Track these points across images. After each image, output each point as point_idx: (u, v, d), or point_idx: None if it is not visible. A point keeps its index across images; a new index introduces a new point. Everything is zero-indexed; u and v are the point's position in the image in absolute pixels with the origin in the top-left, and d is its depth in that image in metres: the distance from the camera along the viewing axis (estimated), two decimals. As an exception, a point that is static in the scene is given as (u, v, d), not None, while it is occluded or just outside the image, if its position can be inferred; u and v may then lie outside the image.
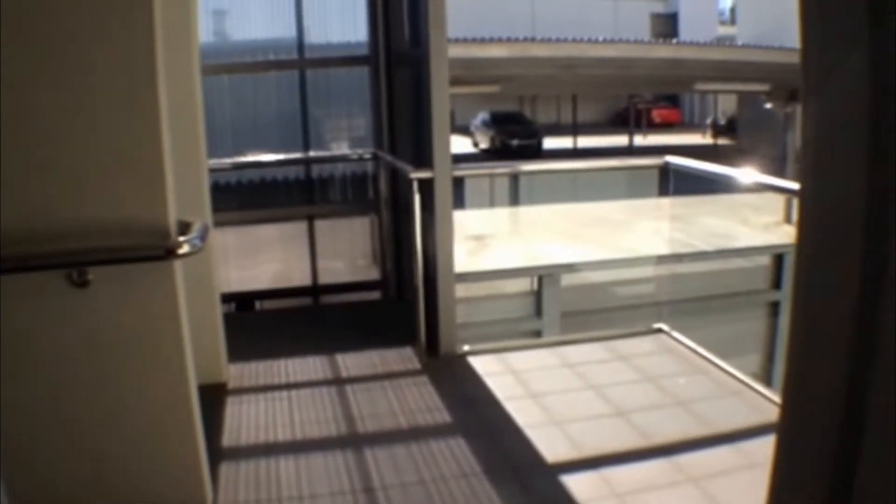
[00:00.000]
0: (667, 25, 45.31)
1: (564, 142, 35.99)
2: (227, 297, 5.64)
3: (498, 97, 31.92)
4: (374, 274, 6.50)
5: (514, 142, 34.32)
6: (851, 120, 1.03)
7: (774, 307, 9.61)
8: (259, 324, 6.09)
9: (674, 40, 34.77)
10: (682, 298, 8.68)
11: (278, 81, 6.38)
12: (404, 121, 5.76)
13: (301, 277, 6.40)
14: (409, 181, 4.85)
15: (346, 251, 6.62)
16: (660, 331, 5.24)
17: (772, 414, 3.83)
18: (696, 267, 9.97)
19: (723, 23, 46.40)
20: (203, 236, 2.89)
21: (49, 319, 2.75)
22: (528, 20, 38.83)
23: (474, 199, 11.66)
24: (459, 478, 3.46)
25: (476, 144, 37.53)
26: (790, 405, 1.33)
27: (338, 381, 4.62)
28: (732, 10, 45.63)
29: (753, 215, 12.47)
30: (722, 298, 9.70)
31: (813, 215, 1.17)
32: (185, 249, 2.74)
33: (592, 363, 4.78)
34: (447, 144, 4.76)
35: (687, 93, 42.08)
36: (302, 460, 3.66)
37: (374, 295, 6.49)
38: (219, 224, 4.83)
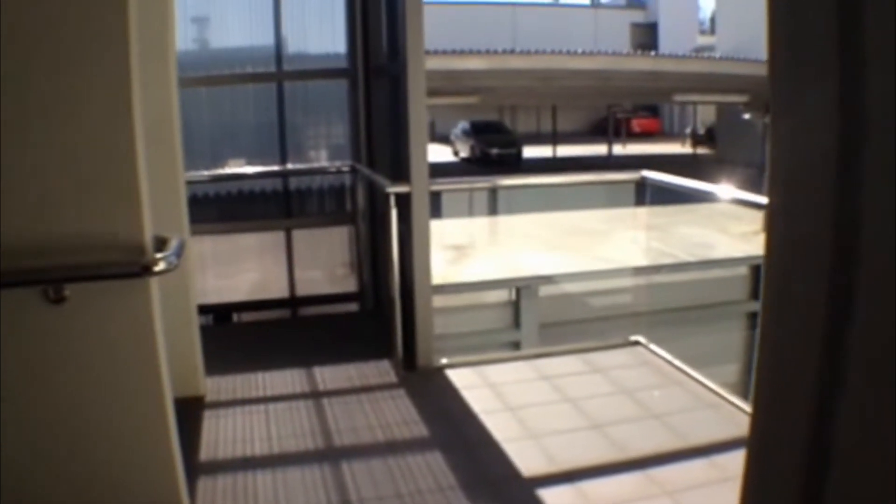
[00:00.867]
0: (647, 35, 45.63)
1: (544, 151, 36.14)
2: (204, 309, 5.63)
3: (478, 107, 32.04)
4: (351, 286, 6.51)
5: (494, 151, 34.43)
6: (819, 146, 1.06)
7: (752, 318, 9.66)
8: (237, 336, 6.10)
9: (652, 52, 34.98)
10: (661, 309, 8.74)
11: (256, 93, 6.38)
12: (382, 134, 5.77)
13: (279, 289, 6.39)
14: (386, 195, 4.88)
15: (324, 263, 6.63)
16: (637, 343, 5.28)
17: (747, 427, 3.87)
18: (674, 277, 10.02)
19: (703, 32, 46.76)
20: (179, 253, 2.90)
21: (25, 335, 2.74)
22: (510, 31, 39.00)
23: (453, 208, 11.67)
24: (436, 492, 3.48)
25: (456, 153, 37.62)
26: (759, 420, 1.35)
27: (315, 395, 4.63)
28: (712, 20, 45.96)
29: (731, 224, 12.53)
30: (700, 309, 9.75)
31: (782, 236, 1.20)
32: (161, 267, 2.74)
33: (569, 376, 4.81)
34: (424, 158, 4.78)
35: (666, 103, 42.33)
36: (279, 474, 3.67)
37: (352, 307, 6.50)
38: (196, 234, 4.84)
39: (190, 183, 5.06)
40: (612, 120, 38.86)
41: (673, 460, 3.75)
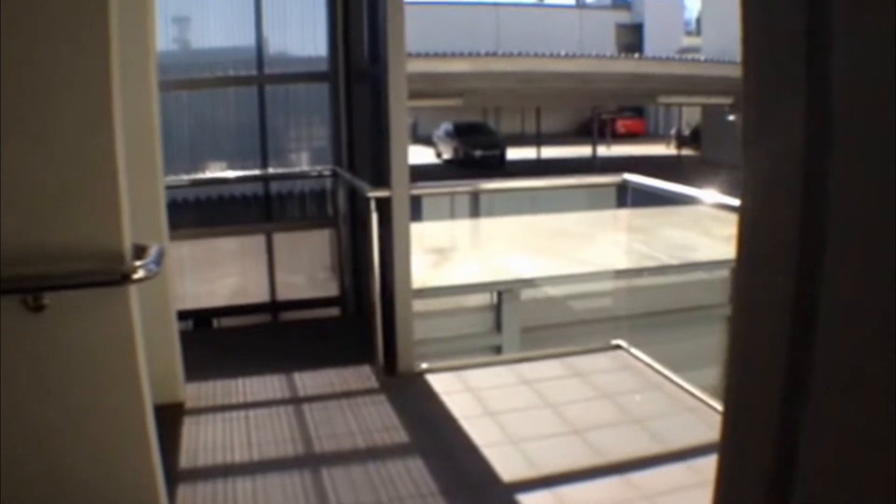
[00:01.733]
0: (632, 36, 45.71)
1: (528, 152, 36.15)
2: (184, 315, 5.63)
3: (462, 108, 32.05)
4: (333, 290, 6.53)
5: (478, 152, 34.39)
6: (789, 168, 1.09)
7: (734, 321, 9.65)
8: (217, 342, 6.11)
9: (636, 55, 35.12)
10: (644, 312, 8.78)
11: (237, 96, 6.38)
12: (363, 138, 5.78)
13: (259, 294, 6.41)
14: (367, 199, 4.91)
15: (305, 268, 6.65)
16: (618, 347, 5.33)
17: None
18: (656, 280, 10.07)
19: (688, 33, 46.95)
20: (158, 260, 2.92)
21: (4, 344, 2.74)
22: (493, 32, 39.03)
23: (435, 211, 11.68)
24: (416, 497, 3.52)
25: (439, 155, 37.58)
26: (729, 424, 1.38)
27: (295, 401, 4.66)
28: (698, 21, 46.13)
29: (716, 227, 12.57)
30: (682, 312, 9.79)
31: (750, 240, 1.24)
32: (140, 274, 2.77)
33: (550, 380, 4.86)
34: (405, 163, 4.82)
35: (651, 105, 42.49)
36: (259, 481, 3.70)
37: (334, 311, 6.52)
38: (176, 239, 4.86)
39: (169, 188, 5.07)
40: (597, 121, 38.96)
41: (652, 465, 3.80)
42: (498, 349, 8.56)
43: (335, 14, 6.10)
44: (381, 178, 5.01)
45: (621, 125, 44.67)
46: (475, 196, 11.58)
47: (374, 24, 5.14)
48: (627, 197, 6.16)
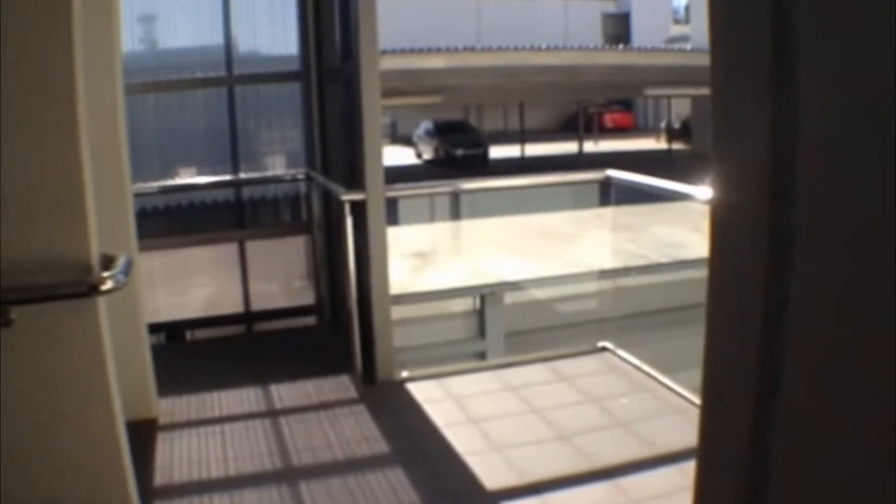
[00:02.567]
0: (619, 26, 45.75)
1: (512, 150, 36.18)
2: (156, 328, 5.64)
3: (442, 105, 32.03)
4: (309, 298, 6.56)
5: (459, 152, 34.40)
6: (758, 162, 1.16)
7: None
8: (190, 355, 6.13)
9: (621, 46, 35.21)
10: (631, 313, 8.82)
11: (206, 98, 6.39)
12: (336, 139, 5.81)
13: (233, 304, 6.44)
14: (341, 203, 4.94)
15: (279, 276, 6.68)
16: (605, 349, 5.39)
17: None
18: (644, 279, 10.11)
19: (677, 21, 47.04)
20: (127, 271, 2.94)
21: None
22: (473, 24, 39.00)
23: (414, 214, 11.71)
24: (397, 509, 3.57)
25: (419, 155, 37.57)
26: (706, 424, 1.44)
27: (272, 414, 4.70)
28: (686, 9, 46.25)
29: (705, 222, 12.58)
30: (673, 311, 9.83)
31: (722, 240, 1.30)
32: (108, 286, 2.78)
33: (535, 385, 4.91)
34: (379, 164, 4.85)
35: (639, 98, 42.58)
36: (236, 497, 3.74)
37: (310, 320, 6.55)
38: (145, 249, 4.89)
39: (138, 195, 5.07)
40: (583, 116, 39.03)
41: (641, 469, 3.86)
42: (482, 355, 8.57)
43: (306, 10, 6.11)
44: (355, 180, 5.04)
45: (609, 119, 44.79)
46: (456, 197, 11.59)
47: (346, 19, 5.15)
48: (611, 194, 6.21)
